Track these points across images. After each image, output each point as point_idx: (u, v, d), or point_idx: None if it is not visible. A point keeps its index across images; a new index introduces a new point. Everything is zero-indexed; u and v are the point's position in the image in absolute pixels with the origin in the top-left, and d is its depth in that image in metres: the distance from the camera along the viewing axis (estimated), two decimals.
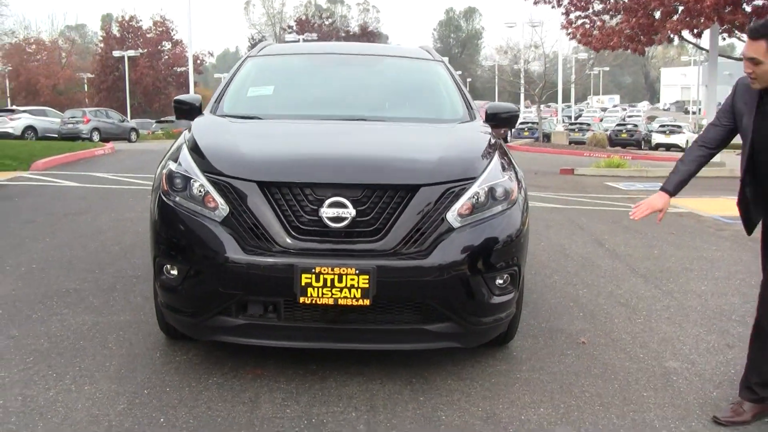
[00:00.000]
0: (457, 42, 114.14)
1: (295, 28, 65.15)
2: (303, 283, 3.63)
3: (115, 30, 67.30)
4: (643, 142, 42.16)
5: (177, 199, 3.98)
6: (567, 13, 20.09)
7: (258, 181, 3.81)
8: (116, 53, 58.34)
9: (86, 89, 68.92)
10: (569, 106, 65.98)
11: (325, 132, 4.58)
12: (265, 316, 3.85)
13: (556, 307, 5.59)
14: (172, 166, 4.13)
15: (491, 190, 3.99)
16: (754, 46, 3.35)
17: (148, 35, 66.45)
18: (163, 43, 67.16)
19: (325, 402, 3.81)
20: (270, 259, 3.69)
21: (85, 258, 6.81)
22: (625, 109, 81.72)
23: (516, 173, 4.37)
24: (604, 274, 6.67)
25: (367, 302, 3.65)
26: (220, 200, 3.84)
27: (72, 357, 4.34)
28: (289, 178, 3.80)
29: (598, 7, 19.47)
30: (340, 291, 3.63)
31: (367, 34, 66.39)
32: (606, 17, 19.58)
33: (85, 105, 56.22)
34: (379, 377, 4.12)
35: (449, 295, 3.79)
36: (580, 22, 19.89)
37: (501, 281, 3.99)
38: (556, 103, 46.99)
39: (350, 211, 3.72)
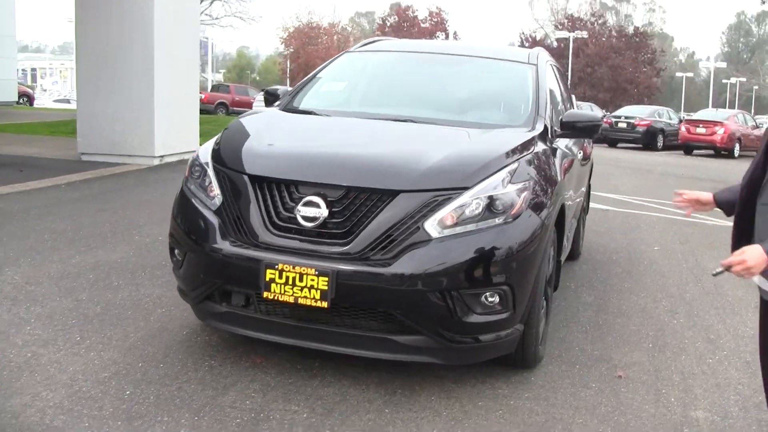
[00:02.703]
0: (747, 47, 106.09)
1: (566, 24, 63.64)
2: (267, 279, 3.67)
3: (390, 18, 69.59)
4: None
5: (192, 186, 4.18)
6: None
7: (249, 174, 3.90)
8: None
9: None
10: None
11: (343, 131, 4.58)
12: (247, 307, 3.93)
13: (630, 335, 5.13)
14: (195, 154, 4.33)
15: (488, 202, 3.77)
16: None
17: (422, 25, 68.07)
18: (437, 33, 68.58)
19: (290, 399, 3.81)
20: (242, 251, 3.77)
21: None
22: None
23: (541, 187, 4.08)
24: (723, 305, 5.98)
25: (324, 304, 3.61)
26: (217, 190, 3.98)
27: (108, 325, 4.68)
28: (274, 174, 3.86)
29: None
30: (301, 290, 3.63)
31: (639, 35, 63.39)
32: None
33: None
34: (366, 383, 4.04)
35: (415, 307, 3.63)
36: None
37: (488, 299, 3.76)
38: None
39: (322, 212, 3.69)
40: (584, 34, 53.77)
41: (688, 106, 69.19)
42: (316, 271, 3.59)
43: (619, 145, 28.91)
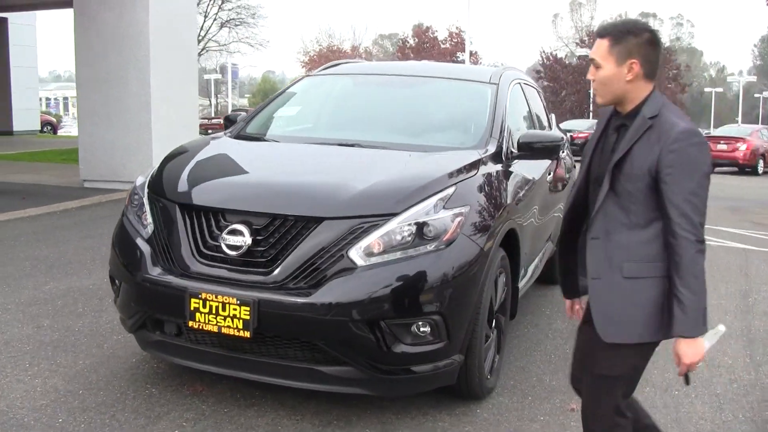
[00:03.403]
0: None
1: (587, 42, 63.11)
2: (192, 308, 3.66)
3: (410, 39, 69.42)
4: None
5: (130, 215, 4.20)
6: None
7: (177, 202, 3.91)
8: None
9: None
10: None
11: (279, 158, 4.60)
12: (179, 336, 3.92)
13: None
14: (135, 182, 4.35)
15: (418, 228, 3.72)
16: (596, 46, 2.70)
17: (443, 45, 67.73)
18: (458, 54, 68.28)
19: (221, 429, 3.79)
20: (168, 280, 3.77)
21: None
22: None
23: (485, 210, 4.03)
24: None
25: (247, 334, 3.58)
26: (149, 218, 3.99)
27: (61, 352, 4.71)
28: (200, 202, 3.87)
29: None
30: (224, 320, 3.61)
31: (663, 51, 62.45)
32: None
33: None
34: (302, 413, 4.00)
35: (338, 337, 3.59)
36: None
37: (420, 329, 3.70)
38: None
39: (246, 240, 3.67)
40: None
41: (719, 122, 67.64)
42: (237, 300, 3.57)
43: None
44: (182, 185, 4.03)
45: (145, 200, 4.09)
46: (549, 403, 4.35)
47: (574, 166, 7.56)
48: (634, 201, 2.63)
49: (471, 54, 62.60)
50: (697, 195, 2.54)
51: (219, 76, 58.91)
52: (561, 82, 57.96)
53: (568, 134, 29.48)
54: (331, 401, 4.12)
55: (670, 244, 2.56)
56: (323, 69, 5.98)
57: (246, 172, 4.29)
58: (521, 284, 5.03)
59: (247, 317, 3.56)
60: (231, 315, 3.58)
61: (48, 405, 3.95)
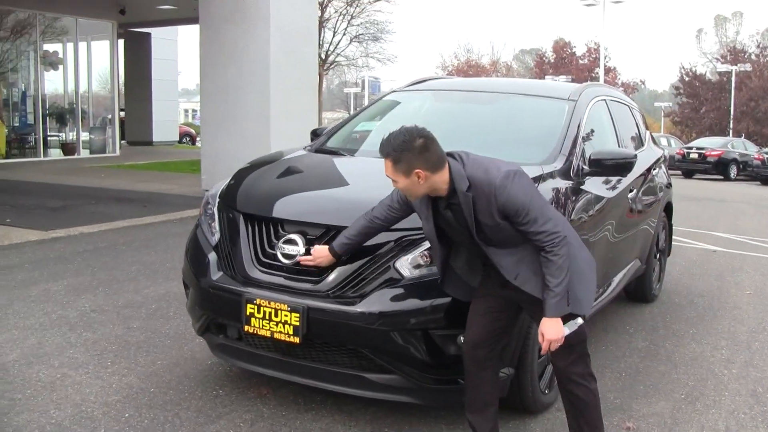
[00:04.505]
0: None
1: (728, 57, 60.36)
2: (247, 313, 3.82)
3: (549, 55, 68.50)
4: None
5: (202, 223, 4.43)
6: None
7: (242, 212, 4.09)
8: (547, 78, 59.68)
9: None
10: None
11: (341, 171, 4.69)
12: (240, 340, 4.09)
13: (665, 384, 4.82)
14: (209, 192, 4.57)
15: None
16: (384, 165, 3.17)
17: (581, 62, 66.48)
18: (596, 70, 66.78)
19: (275, 430, 3.92)
20: (226, 286, 3.94)
21: None
22: None
23: None
24: None
25: (297, 340, 3.71)
26: (217, 226, 4.20)
27: (143, 352, 4.98)
28: (261, 212, 4.03)
29: None
30: (276, 325, 3.74)
31: None
32: None
33: None
34: (357, 419, 4.08)
35: (383, 345, 3.65)
36: None
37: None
38: None
39: (299, 249, 3.80)
40: (747, 66, 50.89)
41: None
42: (288, 307, 3.70)
43: None
44: (248, 196, 4.21)
45: (215, 210, 4.30)
46: (606, 420, 4.20)
47: (669, 185, 7.32)
48: (510, 238, 3.21)
49: (609, 70, 61.31)
50: (541, 212, 3.13)
51: (358, 90, 60.28)
52: (700, 98, 55.82)
53: (701, 152, 28.59)
54: (389, 410, 4.18)
55: (542, 254, 3.16)
56: (409, 85, 6.07)
57: (308, 185, 4.43)
58: None
59: (297, 323, 3.69)
60: (282, 321, 3.72)
61: (119, 401, 4.20)
